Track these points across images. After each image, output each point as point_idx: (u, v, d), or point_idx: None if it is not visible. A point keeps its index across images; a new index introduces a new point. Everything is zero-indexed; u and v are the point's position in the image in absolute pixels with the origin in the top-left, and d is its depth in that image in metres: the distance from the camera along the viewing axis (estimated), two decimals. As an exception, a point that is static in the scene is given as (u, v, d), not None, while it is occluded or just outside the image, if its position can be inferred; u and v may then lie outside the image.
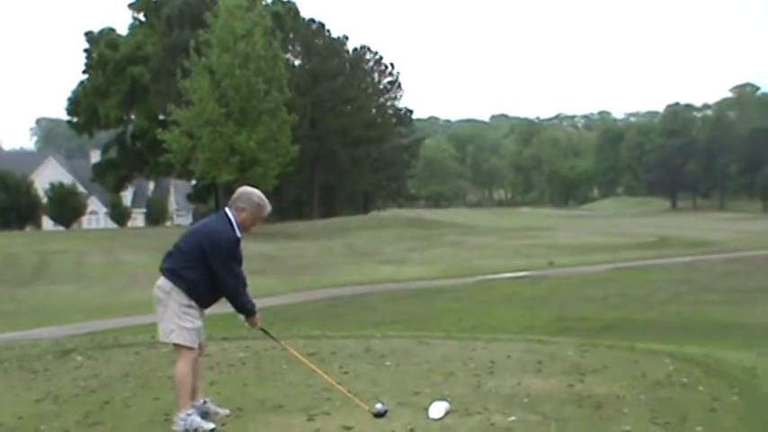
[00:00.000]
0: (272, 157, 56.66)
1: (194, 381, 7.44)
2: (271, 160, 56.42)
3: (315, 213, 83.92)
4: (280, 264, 42.17)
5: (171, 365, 10.63)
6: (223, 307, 7.70)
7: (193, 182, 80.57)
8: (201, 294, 7.39)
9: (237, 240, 7.46)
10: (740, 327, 20.82)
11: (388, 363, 10.53)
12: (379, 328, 18.85)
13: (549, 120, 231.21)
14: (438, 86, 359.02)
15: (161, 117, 68.71)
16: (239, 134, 55.02)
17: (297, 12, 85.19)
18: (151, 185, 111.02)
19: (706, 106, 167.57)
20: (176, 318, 7.36)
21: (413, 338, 13.30)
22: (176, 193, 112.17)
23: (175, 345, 7.42)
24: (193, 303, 7.38)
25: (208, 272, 7.33)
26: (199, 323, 7.45)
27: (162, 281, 7.44)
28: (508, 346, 12.21)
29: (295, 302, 28.01)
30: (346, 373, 9.79)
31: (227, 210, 7.51)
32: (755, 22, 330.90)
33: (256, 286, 30.16)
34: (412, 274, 37.87)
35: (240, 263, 7.55)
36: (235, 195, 7.59)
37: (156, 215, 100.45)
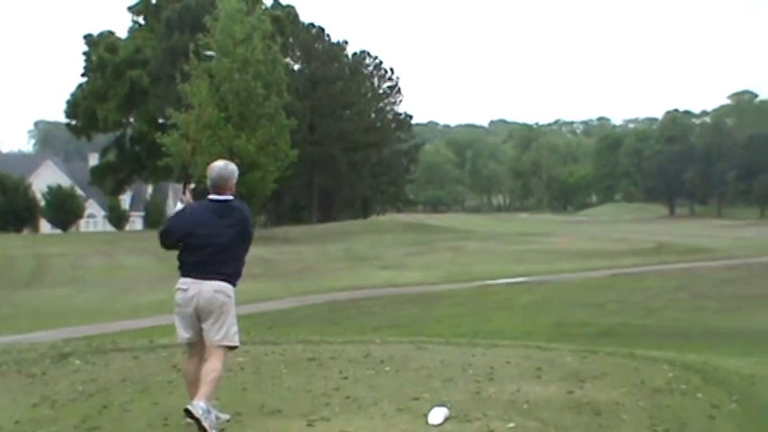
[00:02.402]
0: (271, 161, 56.61)
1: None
2: (269, 164, 56.36)
3: (313, 218, 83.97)
4: (278, 268, 42.17)
5: (169, 370, 10.65)
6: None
7: (192, 185, 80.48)
8: None
9: None
10: (738, 334, 20.84)
11: (387, 368, 10.51)
12: (378, 333, 18.85)
13: (548, 125, 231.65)
14: (437, 91, 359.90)
15: (160, 120, 68.69)
16: (238, 138, 54.99)
17: (296, 16, 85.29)
18: (150, 189, 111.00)
19: (704, 113, 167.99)
20: (235, 319, 7.43)
21: (412, 344, 13.28)
22: (175, 197, 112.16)
23: (231, 347, 7.48)
24: None
25: None
26: None
27: (222, 284, 7.37)
28: (507, 352, 12.19)
29: (293, 307, 28.00)
30: (345, 378, 9.77)
31: (231, 196, 7.53)
32: (754, 29, 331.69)
33: (254, 291, 30.06)
34: (411, 279, 37.88)
35: None
36: (225, 176, 7.51)
37: (155, 218, 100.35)
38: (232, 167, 7.60)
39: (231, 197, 7.51)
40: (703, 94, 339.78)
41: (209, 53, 56.46)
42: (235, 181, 7.55)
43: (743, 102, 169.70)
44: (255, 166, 55.55)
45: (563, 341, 16.07)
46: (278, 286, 34.78)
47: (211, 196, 7.49)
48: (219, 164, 7.62)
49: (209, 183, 7.52)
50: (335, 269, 42.94)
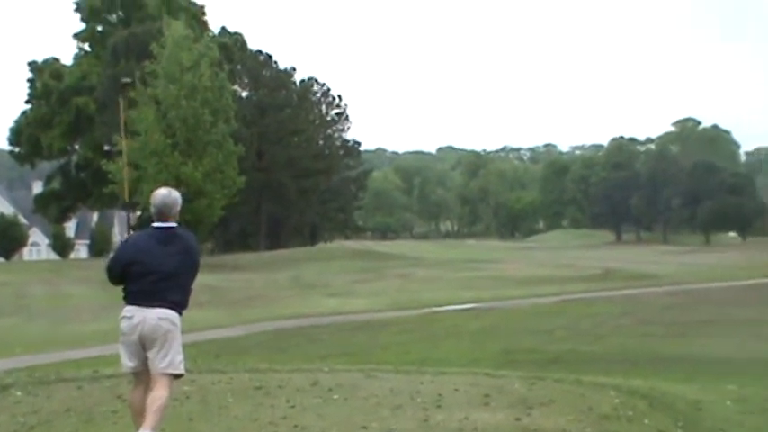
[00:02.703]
0: (218, 188, 56.38)
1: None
2: (216, 192, 56.12)
3: (261, 245, 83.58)
4: (225, 296, 41.88)
5: (114, 400, 10.50)
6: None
7: (138, 213, 79.91)
8: None
9: None
10: (683, 359, 21.02)
11: (335, 396, 10.46)
12: (327, 361, 18.77)
13: (496, 152, 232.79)
14: (385, 118, 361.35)
15: (106, 148, 68.14)
16: (185, 165, 54.71)
17: (244, 43, 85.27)
18: (95, 216, 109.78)
19: (649, 140, 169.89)
20: (181, 347, 7.34)
21: (360, 372, 13.23)
22: (120, 225, 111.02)
23: (177, 376, 7.38)
24: None
25: None
26: None
27: (167, 312, 7.28)
28: (455, 379, 12.19)
29: (241, 335, 27.83)
30: (293, 407, 9.70)
31: (175, 224, 7.45)
32: (697, 57, 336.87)
33: (201, 319, 29.80)
34: (359, 306, 37.80)
35: None
36: (169, 204, 7.45)
37: (100, 247, 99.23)
38: (176, 195, 7.54)
39: (175, 225, 7.45)
40: (648, 122, 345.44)
41: (154, 81, 56.24)
42: (179, 208, 7.49)
43: (686, 129, 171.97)
44: (202, 193, 55.29)
45: (511, 368, 16.09)
46: (225, 314, 34.54)
47: (155, 224, 7.42)
48: (163, 191, 7.55)
49: (152, 210, 7.45)
50: (283, 297, 42.74)
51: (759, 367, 19.14)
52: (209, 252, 79.56)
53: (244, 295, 43.06)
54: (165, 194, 7.49)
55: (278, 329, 29.40)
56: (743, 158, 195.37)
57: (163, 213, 7.41)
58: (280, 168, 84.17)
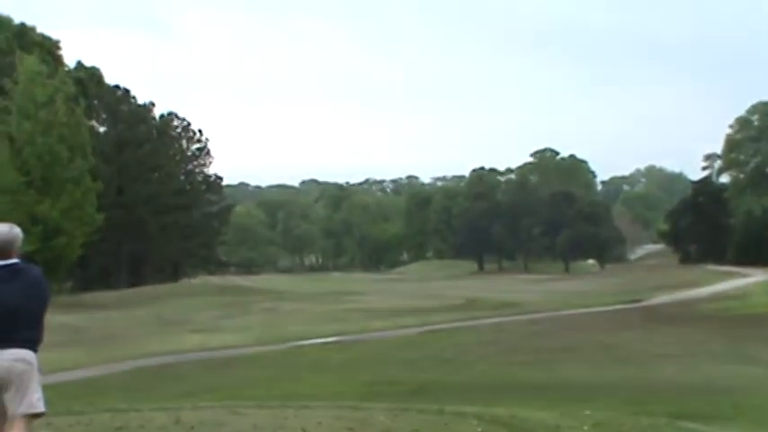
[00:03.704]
0: (77, 225, 55.30)
1: None
2: (75, 229, 55.02)
3: (122, 283, 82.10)
4: (85, 335, 40.99)
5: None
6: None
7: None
8: None
9: None
10: (545, 386, 21.45)
11: (198, 434, 10.36)
12: (190, 398, 18.54)
13: (359, 184, 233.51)
14: (248, 153, 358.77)
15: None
16: (41, 203, 53.46)
17: (101, 78, 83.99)
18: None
19: (509, 170, 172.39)
20: (39, 386, 7.13)
21: (224, 408, 13.13)
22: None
23: (36, 415, 7.15)
24: None
25: None
26: None
27: (21, 352, 7.06)
28: (319, 412, 12.20)
29: (101, 375, 27.29)
30: (155, 446, 9.58)
31: (16, 259, 7.28)
32: (553, 88, 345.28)
33: (60, 359, 29.10)
34: (223, 342, 37.51)
35: None
36: (10, 240, 7.30)
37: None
38: (16, 230, 7.39)
39: (17, 260, 7.30)
40: (508, 153, 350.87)
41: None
42: (20, 244, 7.34)
43: (545, 159, 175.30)
44: (61, 231, 54.12)
45: (376, 400, 16.17)
46: (85, 354, 33.79)
47: None
48: (3, 228, 7.40)
49: None
50: (145, 334, 42.07)
51: (614, 390, 19.68)
52: (68, 291, 77.77)
53: (104, 334, 42.21)
54: (6, 231, 7.34)
55: (140, 368, 28.92)
56: (599, 187, 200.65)
57: (3, 250, 7.25)
58: (140, 204, 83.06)
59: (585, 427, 11.57)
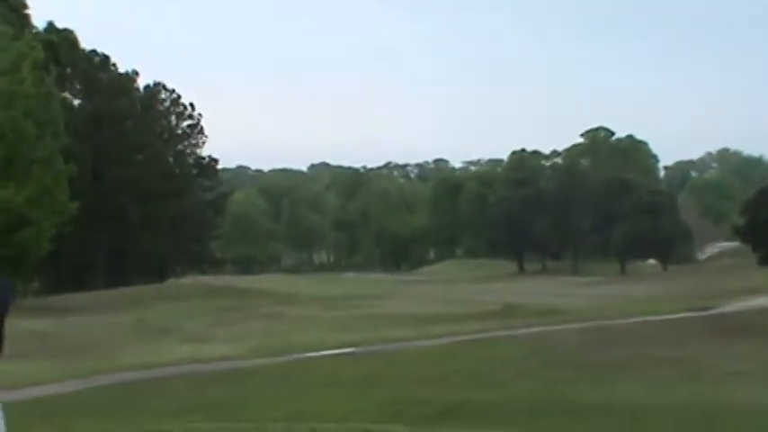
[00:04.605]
0: (47, 215, 55.48)
1: None
2: (44, 219, 55.20)
3: (99, 282, 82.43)
4: (55, 344, 41.21)
5: None
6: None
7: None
8: None
9: None
10: (595, 408, 21.38)
11: (187, 461, 10.41)
12: (179, 419, 18.62)
13: (378, 169, 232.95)
14: (247, 130, 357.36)
15: None
16: (5, 189, 53.66)
17: (75, 42, 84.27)
18: None
19: (555, 153, 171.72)
20: None
21: (218, 431, 13.19)
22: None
23: None
24: None
25: None
26: None
27: None
28: (331, 436, 12.23)
29: (75, 391, 27.39)
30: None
31: None
32: (608, 58, 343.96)
33: (26, 372, 29.33)
34: (218, 352, 37.66)
35: None
36: None
37: None
38: None
39: None
40: (553, 132, 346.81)
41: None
42: None
43: (598, 140, 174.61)
44: (27, 221, 54.33)
45: (397, 421, 16.22)
46: (55, 366, 33.94)
47: None
48: None
49: None
50: (126, 344, 42.27)
51: (678, 413, 19.62)
52: (35, 292, 78.20)
53: (78, 343, 42.41)
54: None
55: (120, 383, 29.03)
56: (662, 174, 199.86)
57: None
58: (121, 191, 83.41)
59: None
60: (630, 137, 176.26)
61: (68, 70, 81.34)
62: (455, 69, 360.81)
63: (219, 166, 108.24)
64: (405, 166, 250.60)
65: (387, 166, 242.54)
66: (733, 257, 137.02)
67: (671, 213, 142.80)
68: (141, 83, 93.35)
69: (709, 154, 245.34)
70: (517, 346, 35.44)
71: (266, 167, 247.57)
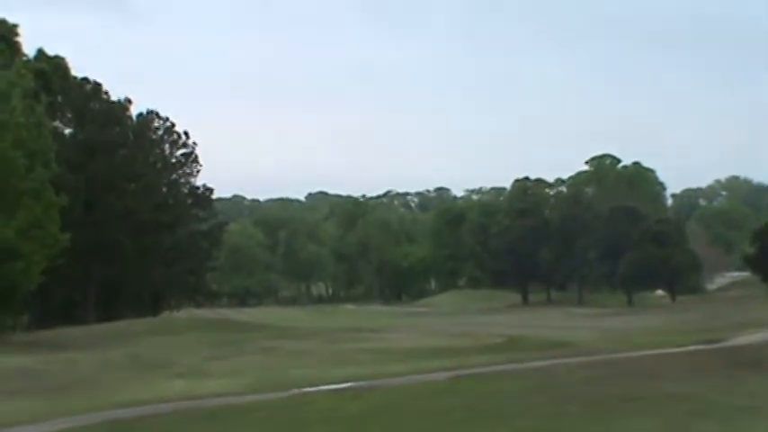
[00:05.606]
0: (37, 247, 55.43)
1: None
2: (34, 252, 55.15)
3: (91, 316, 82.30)
4: (44, 381, 41.04)
5: None
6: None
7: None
8: None
9: None
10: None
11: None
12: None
13: (378, 197, 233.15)
14: (243, 159, 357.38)
15: None
16: (-7, 221, 53.75)
17: (67, 70, 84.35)
18: None
19: (560, 181, 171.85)
20: None
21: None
22: None
23: None
24: None
25: None
26: None
27: None
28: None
29: (64, 429, 27.34)
30: None
31: None
32: (612, 82, 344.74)
33: (12, 411, 29.32)
34: (212, 388, 37.53)
35: None
36: None
37: None
38: None
39: None
40: (557, 160, 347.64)
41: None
42: None
43: (603, 168, 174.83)
44: (16, 254, 54.29)
45: (398, 460, 16.15)
46: (43, 405, 33.82)
47: None
48: None
49: None
50: (118, 380, 42.15)
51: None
52: (24, 327, 78.08)
53: (68, 380, 42.28)
54: None
55: (111, 421, 28.93)
56: (669, 202, 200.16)
57: None
58: (114, 222, 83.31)
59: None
60: (637, 164, 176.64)
61: (59, 98, 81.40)
62: (457, 96, 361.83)
63: (214, 196, 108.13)
64: (405, 194, 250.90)
65: (387, 194, 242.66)
66: (743, 288, 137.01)
67: (679, 243, 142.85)
68: (134, 111, 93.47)
69: (718, 182, 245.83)
70: (521, 381, 35.34)
71: (262, 197, 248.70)
